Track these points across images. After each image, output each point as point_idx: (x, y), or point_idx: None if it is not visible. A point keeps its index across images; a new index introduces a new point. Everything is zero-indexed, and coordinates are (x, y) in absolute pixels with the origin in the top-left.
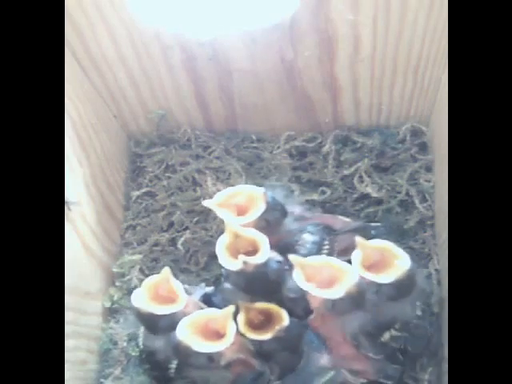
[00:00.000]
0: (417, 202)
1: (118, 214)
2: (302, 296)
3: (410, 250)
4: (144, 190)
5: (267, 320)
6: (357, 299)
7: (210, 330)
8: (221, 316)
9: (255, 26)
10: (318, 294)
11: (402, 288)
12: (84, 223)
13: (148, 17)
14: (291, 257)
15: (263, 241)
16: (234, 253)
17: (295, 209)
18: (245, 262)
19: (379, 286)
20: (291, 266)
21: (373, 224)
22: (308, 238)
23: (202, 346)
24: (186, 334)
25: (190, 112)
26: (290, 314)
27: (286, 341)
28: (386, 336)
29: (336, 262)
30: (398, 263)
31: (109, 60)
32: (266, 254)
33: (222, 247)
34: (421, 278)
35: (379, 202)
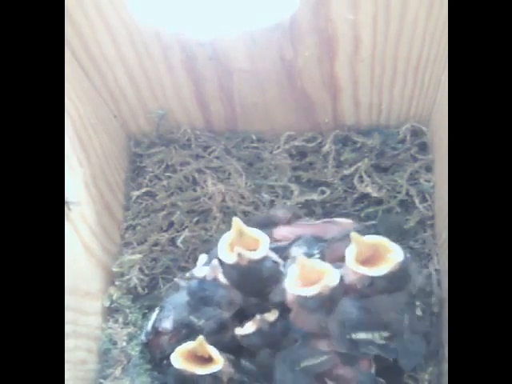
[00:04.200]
0: (417, 201)
1: (118, 214)
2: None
3: (410, 249)
4: (144, 190)
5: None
6: (400, 279)
7: (196, 356)
8: (197, 345)
9: (255, 26)
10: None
11: (396, 280)
12: (84, 223)
13: (148, 17)
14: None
15: (264, 240)
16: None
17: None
18: (239, 255)
19: (373, 280)
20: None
21: (367, 223)
22: (296, 252)
23: (202, 369)
24: (181, 363)
25: (190, 112)
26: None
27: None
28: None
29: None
30: (391, 256)
31: (109, 60)
32: (263, 251)
33: (224, 242)
34: (415, 272)
35: (379, 202)
